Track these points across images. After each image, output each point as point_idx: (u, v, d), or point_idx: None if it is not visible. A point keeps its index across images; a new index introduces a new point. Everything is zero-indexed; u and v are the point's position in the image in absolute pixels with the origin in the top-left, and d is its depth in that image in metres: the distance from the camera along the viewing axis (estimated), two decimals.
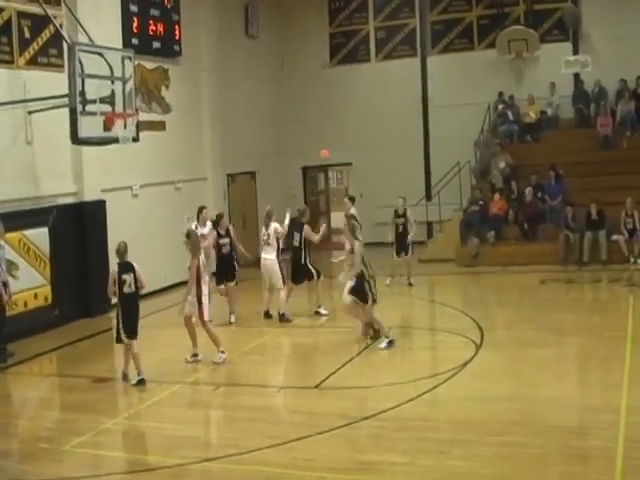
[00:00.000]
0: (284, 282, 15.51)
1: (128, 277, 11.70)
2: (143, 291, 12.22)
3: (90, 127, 14.80)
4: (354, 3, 26.96)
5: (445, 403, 10.49)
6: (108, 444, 9.61)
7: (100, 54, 15.25)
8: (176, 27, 20.57)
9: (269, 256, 15.44)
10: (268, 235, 15.48)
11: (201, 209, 15.53)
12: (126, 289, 11.70)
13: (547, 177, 21.65)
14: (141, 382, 11.63)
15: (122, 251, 11.83)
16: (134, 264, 11.82)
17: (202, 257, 12.62)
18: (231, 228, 15.94)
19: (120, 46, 17.64)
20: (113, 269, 11.95)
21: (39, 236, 15.71)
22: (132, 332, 11.73)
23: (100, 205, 17.28)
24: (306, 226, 15.56)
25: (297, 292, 16.03)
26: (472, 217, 21.57)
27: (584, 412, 9.80)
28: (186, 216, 20.30)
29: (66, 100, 14.57)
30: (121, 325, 11.70)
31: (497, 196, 21.84)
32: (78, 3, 16.70)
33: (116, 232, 17.22)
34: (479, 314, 15.02)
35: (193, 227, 14.61)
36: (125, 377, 11.88)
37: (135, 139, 16.13)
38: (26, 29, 15.70)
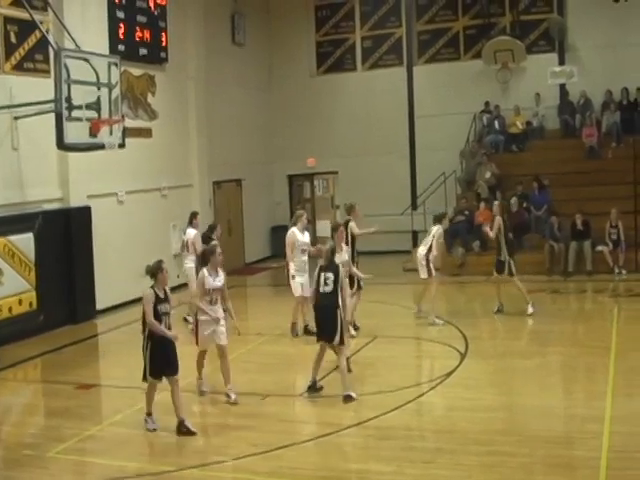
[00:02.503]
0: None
1: None
2: None
3: (76, 133, 14.81)
4: (341, 12, 27.05)
5: (430, 412, 10.52)
6: (92, 451, 9.57)
7: (86, 60, 15.26)
8: (163, 34, 20.57)
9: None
10: None
11: (195, 214, 16.53)
12: None
13: (532, 187, 21.74)
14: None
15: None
16: None
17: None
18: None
19: (106, 52, 17.57)
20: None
21: (24, 242, 15.63)
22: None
23: (86, 211, 17.22)
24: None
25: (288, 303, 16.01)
26: (458, 226, 21.64)
27: (569, 422, 9.86)
28: (172, 223, 20.35)
29: (52, 106, 14.56)
30: None
31: (483, 206, 21.88)
32: (65, 9, 16.64)
33: (102, 238, 17.24)
34: (464, 323, 15.07)
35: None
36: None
37: (121, 145, 16.14)
38: (12, 34, 15.68)
